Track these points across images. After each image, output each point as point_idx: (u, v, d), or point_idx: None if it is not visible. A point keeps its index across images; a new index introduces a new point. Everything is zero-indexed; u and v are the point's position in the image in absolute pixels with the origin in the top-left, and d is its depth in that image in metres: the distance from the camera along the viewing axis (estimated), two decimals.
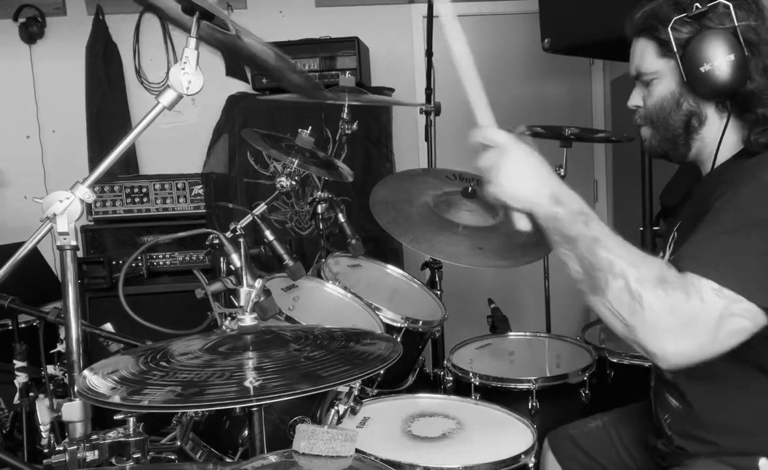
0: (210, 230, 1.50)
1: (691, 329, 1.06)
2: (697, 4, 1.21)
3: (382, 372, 1.36)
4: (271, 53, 1.19)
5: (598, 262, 1.09)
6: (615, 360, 2.10)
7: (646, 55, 1.30)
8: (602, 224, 1.12)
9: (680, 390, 1.32)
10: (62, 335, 1.71)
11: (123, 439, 1.14)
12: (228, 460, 1.52)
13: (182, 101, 1.15)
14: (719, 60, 1.19)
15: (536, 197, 1.13)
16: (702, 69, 1.20)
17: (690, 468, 1.30)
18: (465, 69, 1.22)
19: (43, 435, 1.79)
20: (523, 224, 1.17)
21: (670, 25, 1.23)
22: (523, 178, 1.14)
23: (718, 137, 1.28)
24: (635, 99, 1.36)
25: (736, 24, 1.19)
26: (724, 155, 1.29)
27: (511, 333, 2.39)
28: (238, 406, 1.40)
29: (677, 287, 1.06)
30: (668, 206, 1.57)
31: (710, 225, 1.15)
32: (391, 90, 3.55)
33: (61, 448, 1.11)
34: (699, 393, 1.29)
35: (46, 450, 1.78)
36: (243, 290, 1.29)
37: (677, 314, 1.05)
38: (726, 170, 1.28)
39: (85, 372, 1.06)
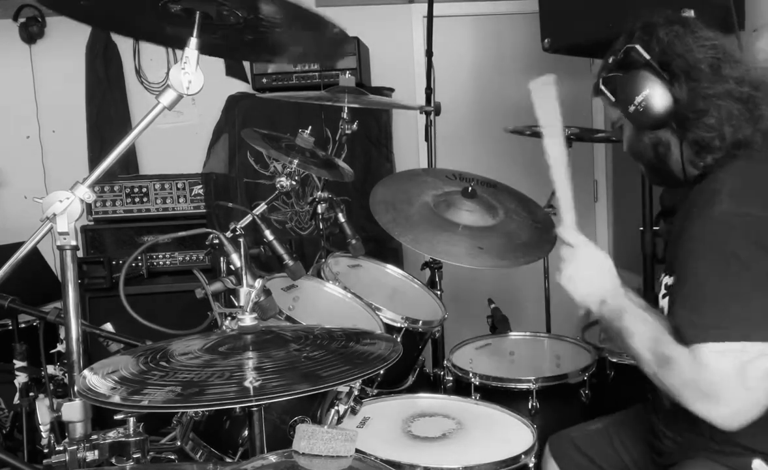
0: (210, 230, 1.50)
1: (719, 397, 1.12)
2: (610, 58, 1.37)
3: (382, 372, 1.36)
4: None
5: (636, 354, 1.25)
6: (615, 360, 2.10)
7: (605, 109, 1.43)
8: (635, 313, 1.26)
9: None
10: (62, 335, 1.71)
11: (123, 439, 1.14)
12: (228, 460, 1.52)
13: (182, 101, 1.15)
14: (641, 94, 1.30)
15: (588, 300, 1.32)
16: (631, 109, 1.31)
17: (686, 468, 1.30)
18: (559, 171, 1.40)
19: (43, 435, 1.79)
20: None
21: (600, 83, 1.38)
22: (580, 282, 1.32)
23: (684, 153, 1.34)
24: (624, 144, 1.46)
25: (647, 58, 1.29)
26: (694, 174, 1.34)
27: (511, 333, 2.39)
28: (238, 406, 1.40)
29: (684, 367, 1.14)
30: (668, 206, 1.59)
31: (688, 281, 1.21)
32: (391, 90, 3.55)
33: (61, 448, 1.11)
34: None
35: (46, 450, 1.78)
36: (243, 290, 1.29)
37: (700, 391, 1.13)
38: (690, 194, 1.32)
39: (85, 372, 1.06)
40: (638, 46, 1.30)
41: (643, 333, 1.23)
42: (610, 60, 1.37)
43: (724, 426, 1.13)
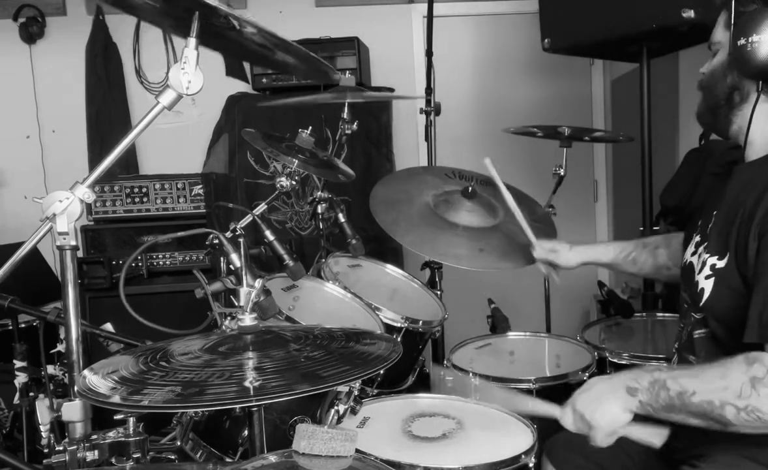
0: (210, 230, 1.50)
1: None
2: None
3: (382, 371, 1.36)
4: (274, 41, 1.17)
5: (700, 409, 1.13)
6: (615, 360, 2.10)
7: (718, 26, 1.34)
8: (675, 373, 1.18)
9: None
10: (62, 335, 1.71)
11: (123, 439, 1.14)
12: (228, 460, 1.52)
13: (182, 101, 1.15)
14: (759, 35, 1.19)
15: (621, 412, 1.23)
16: (740, 43, 1.22)
17: (707, 463, 1.29)
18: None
19: (43, 435, 1.79)
20: (657, 439, 1.26)
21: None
22: (604, 411, 1.24)
23: (758, 118, 1.28)
24: (704, 66, 1.39)
25: None
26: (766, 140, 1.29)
27: (511, 333, 2.39)
28: (237, 406, 1.40)
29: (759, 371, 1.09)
30: (668, 206, 1.58)
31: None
32: (391, 90, 3.55)
33: (61, 448, 1.11)
34: None
35: (46, 450, 1.78)
36: (243, 290, 1.29)
37: None
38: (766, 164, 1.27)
39: (85, 372, 1.06)
40: None
41: (698, 379, 1.14)
42: None
43: None
